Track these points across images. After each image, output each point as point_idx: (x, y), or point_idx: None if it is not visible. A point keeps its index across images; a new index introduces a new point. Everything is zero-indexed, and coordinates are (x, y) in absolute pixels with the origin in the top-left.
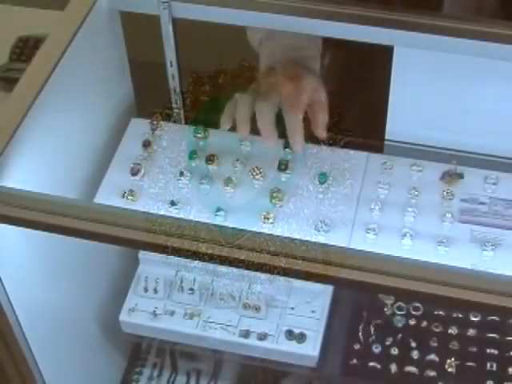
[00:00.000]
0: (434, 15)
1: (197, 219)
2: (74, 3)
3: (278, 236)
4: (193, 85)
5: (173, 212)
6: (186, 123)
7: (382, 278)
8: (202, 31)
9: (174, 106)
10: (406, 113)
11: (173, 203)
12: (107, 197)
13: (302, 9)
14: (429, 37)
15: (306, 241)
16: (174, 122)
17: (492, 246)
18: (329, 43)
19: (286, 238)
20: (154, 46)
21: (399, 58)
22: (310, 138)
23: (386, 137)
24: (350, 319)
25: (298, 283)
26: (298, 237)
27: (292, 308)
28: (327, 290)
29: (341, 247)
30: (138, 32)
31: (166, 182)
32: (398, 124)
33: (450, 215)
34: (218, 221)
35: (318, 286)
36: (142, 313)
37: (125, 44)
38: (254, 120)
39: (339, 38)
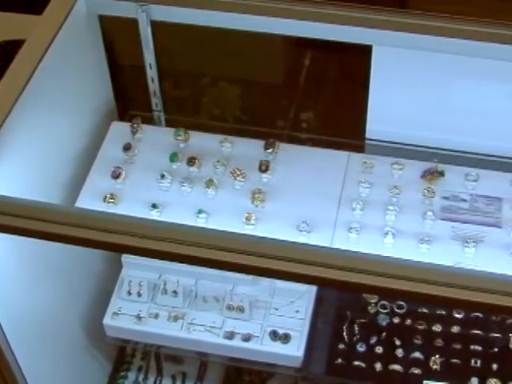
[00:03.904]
0: (411, 14)
1: (178, 221)
2: (52, 8)
3: (259, 237)
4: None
5: (154, 215)
6: (167, 125)
7: (365, 278)
8: (180, 33)
9: (154, 108)
10: (386, 112)
11: (154, 206)
12: (89, 201)
13: (281, 10)
14: (407, 35)
15: (288, 241)
16: (155, 124)
17: (473, 242)
18: (308, 44)
19: (267, 239)
20: (133, 49)
21: (377, 57)
22: (291, 138)
23: (367, 136)
24: (334, 319)
25: (282, 284)
26: (280, 237)
27: (276, 308)
28: (311, 290)
29: (323, 247)
30: (118, 35)
31: (147, 184)
32: (379, 123)
33: (431, 213)
34: (200, 223)
35: (302, 286)
36: (125, 316)
37: (104, 48)
38: (233, 120)
39: (318, 38)
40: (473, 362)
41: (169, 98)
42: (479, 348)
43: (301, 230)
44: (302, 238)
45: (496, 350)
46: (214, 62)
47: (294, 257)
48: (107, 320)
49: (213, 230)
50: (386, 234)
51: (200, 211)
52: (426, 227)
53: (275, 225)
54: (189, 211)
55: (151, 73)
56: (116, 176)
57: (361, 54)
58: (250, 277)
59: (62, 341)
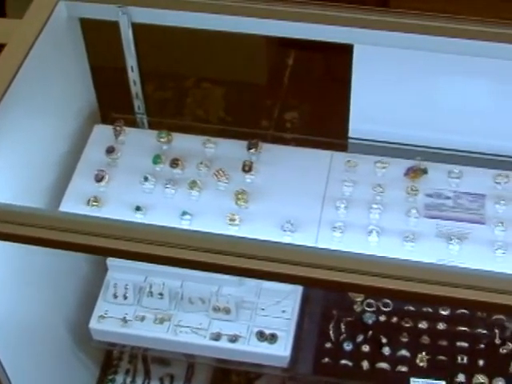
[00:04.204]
0: (391, 12)
1: (163, 224)
2: (33, 11)
3: (244, 238)
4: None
5: (138, 217)
6: (150, 128)
7: (350, 277)
8: (163, 35)
9: (136, 111)
10: (369, 111)
11: (138, 208)
12: (72, 204)
13: (262, 10)
14: (387, 34)
15: (273, 242)
16: (138, 127)
17: (458, 239)
18: (290, 44)
19: (252, 239)
20: (115, 51)
21: (358, 56)
22: (276, 138)
23: (350, 135)
24: (321, 318)
25: (268, 284)
26: (264, 238)
27: (262, 309)
28: (297, 289)
29: (308, 247)
30: (100, 38)
31: (130, 187)
32: (361, 122)
33: (415, 211)
34: (184, 224)
35: (288, 286)
36: (112, 319)
37: (86, 51)
38: (218, 121)
39: (300, 38)
40: (459, 358)
41: (152, 100)
42: (465, 344)
43: (285, 230)
44: (287, 238)
45: (482, 346)
46: (197, 64)
47: (279, 257)
48: (93, 323)
49: (197, 231)
50: (371, 232)
51: (184, 213)
52: (410, 225)
53: (259, 225)
54: (173, 213)
55: (133, 75)
56: (99, 179)
57: (344, 53)
58: (236, 277)
59: (48, 345)
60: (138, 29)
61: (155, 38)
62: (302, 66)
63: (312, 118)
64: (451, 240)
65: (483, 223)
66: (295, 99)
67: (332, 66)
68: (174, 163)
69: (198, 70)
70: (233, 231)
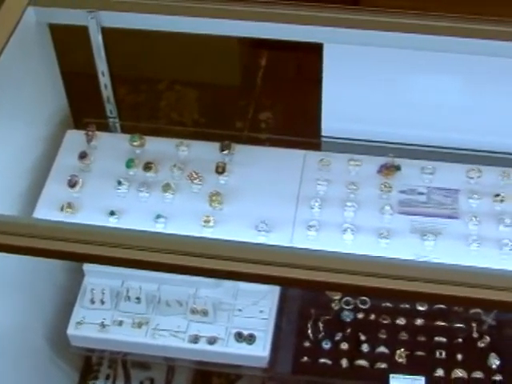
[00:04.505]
0: (360, 10)
1: (137, 228)
2: (0, 18)
3: (219, 240)
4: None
5: (113, 222)
6: (123, 132)
7: (326, 276)
8: (134, 39)
9: (108, 115)
10: (341, 109)
11: (112, 213)
12: (46, 211)
13: (232, 11)
14: (357, 32)
15: (248, 242)
16: (110, 131)
17: (432, 235)
18: (263, 44)
19: (227, 241)
20: (86, 56)
21: (329, 54)
22: (251, 138)
23: (323, 134)
24: (299, 317)
25: (245, 284)
26: (239, 239)
27: (240, 310)
28: (274, 289)
29: (283, 247)
30: (70, 43)
31: (104, 192)
32: (333, 120)
33: (389, 207)
34: (159, 228)
35: (265, 286)
36: (89, 325)
37: (56, 56)
38: (192, 124)
39: (271, 39)
40: (438, 353)
41: (126, 104)
42: (443, 339)
43: (260, 230)
44: (262, 238)
45: (460, 340)
46: (171, 66)
47: (254, 258)
48: (71, 330)
49: (172, 234)
50: (345, 230)
51: (158, 216)
52: (384, 222)
53: (234, 226)
54: (147, 217)
55: (104, 79)
56: (72, 185)
57: (317, 52)
58: (213, 279)
59: (26, 353)
60: (111, 33)
61: (128, 41)
62: (275, 66)
63: (286, 118)
64: (426, 235)
65: (457, 218)
66: (269, 99)
67: (305, 66)
68: (148, 167)
69: (172, 72)
70: (207, 233)
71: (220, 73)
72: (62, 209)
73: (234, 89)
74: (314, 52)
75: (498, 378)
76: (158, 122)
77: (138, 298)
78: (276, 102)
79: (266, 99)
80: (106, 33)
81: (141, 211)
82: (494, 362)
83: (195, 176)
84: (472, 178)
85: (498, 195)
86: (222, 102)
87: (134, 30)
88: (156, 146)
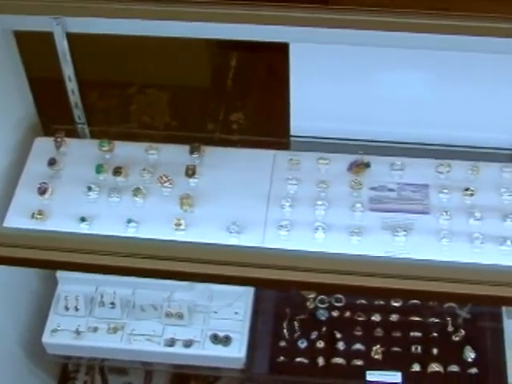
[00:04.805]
0: (325, 9)
1: (109, 233)
2: None
3: (191, 243)
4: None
5: (84, 228)
6: (92, 137)
7: (299, 275)
8: (103, 44)
9: (77, 121)
10: (309, 108)
11: (83, 219)
12: (17, 219)
13: (195, 13)
14: (322, 31)
15: (219, 244)
16: (79, 137)
17: (403, 231)
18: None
19: (199, 243)
20: (52, 62)
21: (295, 54)
22: (222, 140)
23: (292, 133)
24: (274, 317)
25: (219, 286)
26: (211, 241)
27: (215, 312)
28: (248, 290)
29: (255, 247)
30: (36, 49)
31: (74, 198)
32: (302, 119)
33: (359, 205)
34: (130, 232)
35: (239, 288)
36: (64, 332)
37: (23, 63)
38: (164, 127)
39: (238, 40)
40: (413, 348)
41: (97, 109)
42: (419, 334)
43: (231, 232)
44: (233, 240)
45: (435, 334)
46: (141, 70)
47: (227, 260)
48: (46, 338)
49: (144, 239)
50: (317, 229)
51: (129, 221)
52: (355, 219)
53: (206, 228)
54: (118, 221)
55: (71, 85)
56: (42, 192)
57: (286, 52)
58: (187, 282)
59: (2, 361)
60: (82, 38)
61: (99, 46)
62: (245, 66)
63: (257, 118)
64: (397, 232)
65: (428, 213)
66: (240, 100)
67: (275, 65)
68: (117, 171)
69: (142, 76)
70: (179, 236)
71: (190, 75)
72: (32, 216)
73: (204, 91)
74: (283, 52)
75: (473, 370)
76: (130, 126)
77: (112, 304)
78: (247, 102)
79: (237, 100)
80: (76, 38)
81: (112, 216)
82: (470, 355)
83: (165, 179)
84: (442, 172)
85: (467, 189)
86: (193, 104)
87: (103, 34)
88: (125, 150)
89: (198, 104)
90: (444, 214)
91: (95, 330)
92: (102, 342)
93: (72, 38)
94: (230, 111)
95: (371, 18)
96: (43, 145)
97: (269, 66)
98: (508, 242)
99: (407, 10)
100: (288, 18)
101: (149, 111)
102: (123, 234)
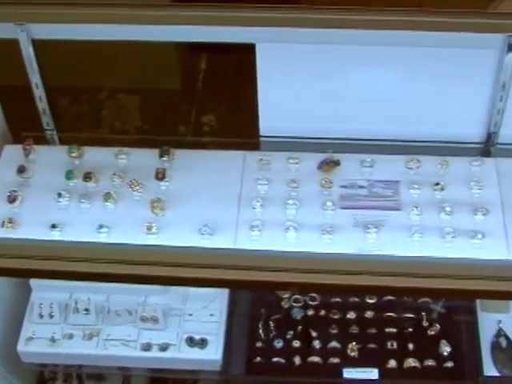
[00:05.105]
0: (291, 8)
1: (80, 239)
2: None
3: (163, 246)
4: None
5: (55, 235)
6: (62, 144)
7: (273, 275)
8: (70, 50)
9: (46, 127)
10: (277, 107)
11: (54, 226)
12: None
13: (161, 17)
14: (288, 30)
15: (192, 247)
16: (49, 144)
17: (375, 227)
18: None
19: (171, 247)
20: (19, 69)
21: (261, 54)
22: (194, 142)
23: (261, 133)
24: (249, 318)
25: (194, 289)
26: (183, 244)
27: (190, 314)
28: (223, 292)
29: (227, 249)
30: (2, 57)
31: (45, 205)
32: (271, 119)
33: (330, 203)
34: (102, 238)
35: (214, 289)
36: (40, 340)
37: None
38: (136, 131)
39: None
40: (389, 344)
41: (68, 116)
42: (394, 330)
43: (203, 234)
44: (205, 242)
45: (410, 330)
46: (111, 75)
47: (199, 262)
48: (21, 346)
49: (115, 244)
50: (288, 228)
51: (101, 226)
52: (326, 218)
53: (177, 231)
54: (89, 227)
55: (38, 92)
56: (12, 200)
57: (254, 52)
58: (161, 285)
59: None
60: (49, 44)
61: (65, 52)
62: (215, 68)
63: (228, 120)
64: (368, 229)
65: (399, 209)
66: (211, 102)
67: (245, 66)
68: (87, 177)
69: (112, 81)
70: (151, 240)
71: (160, 78)
72: (2, 225)
73: (175, 93)
74: (253, 52)
75: (449, 364)
76: (101, 131)
77: (87, 310)
78: (218, 104)
79: (208, 102)
80: (43, 44)
81: (83, 222)
82: (445, 349)
83: (135, 184)
84: (411, 168)
85: (437, 184)
86: (165, 108)
87: (71, 40)
88: (95, 155)
89: (169, 107)
90: (415, 209)
91: (70, 336)
92: (77, 348)
93: (38, 45)
94: (201, 113)
95: (339, 16)
96: (12, 152)
97: (239, 67)
98: (479, 236)
99: (370, 8)
100: (252, 18)
101: (120, 116)
102: (95, 240)
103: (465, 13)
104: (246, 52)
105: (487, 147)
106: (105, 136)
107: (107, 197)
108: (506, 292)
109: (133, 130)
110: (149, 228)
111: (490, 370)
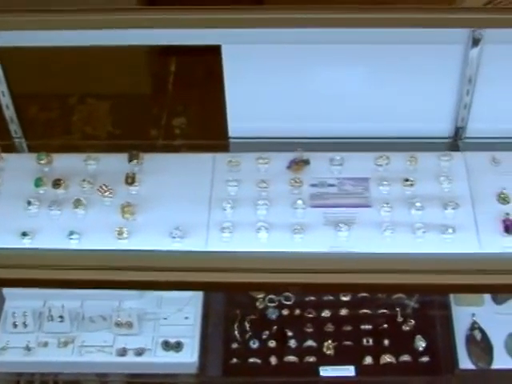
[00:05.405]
0: (254, 9)
1: (51, 246)
2: None
3: (135, 251)
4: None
5: (26, 243)
6: (31, 151)
7: (245, 276)
8: (38, 57)
9: (14, 135)
10: (245, 108)
11: (25, 234)
12: None
13: (127, 21)
14: (253, 31)
15: (163, 251)
16: (18, 151)
17: (346, 225)
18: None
19: (142, 251)
20: None
21: (227, 55)
22: (163, 146)
23: (230, 135)
24: (225, 319)
25: (168, 293)
26: (154, 247)
27: (165, 318)
28: (197, 294)
29: (199, 251)
30: None
31: (14, 213)
32: (239, 120)
33: (301, 202)
34: (73, 244)
35: (188, 293)
36: (14, 349)
37: None
38: (107, 136)
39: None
40: (365, 341)
41: (37, 123)
42: (369, 327)
43: (174, 237)
44: (177, 245)
45: (385, 326)
46: (81, 81)
47: (171, 266)
48: None
49: (87, 250)
50: (259, 229)
51: (71, 233)
52: (297, 217)
53: (148, 235)
54: (60, 234)
55: (5, 100)
56: None
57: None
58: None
59: None
60: (15, 52)
61: (34, 59)
62: (185, 70)
63: (198, 122)
64: (340, 226)
65: (369, 206)
66: (181, 105)
67: (214, 68)
68: (57, 184)
69: (82, 86)
70: (122, 245)
71: (130, 82)
72: None
73: (145, 97)
74: (221, 53)
75: (425, 359)
76: (72, 137)
77: (61, 317)
78: (188, 106)
79: (179, 105)
80: (15, 52)
81: (53, 229)
82: (420, 344)
83: (105, 189)
84: (381, 165)
85: (407, 180)
86: (136, 112)
87: (37, 47)
88: (64, 162)
89: (140, 111)
90: (385, 206)
91: (45, 344)
92: (53, 356)
93: (4, 53)
94: (172, 116)
95: (303, 15)
96: None
97: (209, 69)
98: (450, 230)
99: (336, 6)
100: (217, 20)
101: (91, 121)
102: (66, 247)
103: (429, 9)
104: (216, 53)
105: (455, 142)
106: (75, 142)
107: (77, 203)
108: (479, 285)
109: (104, 136)
110: (120, 233)
111: (465, 363)
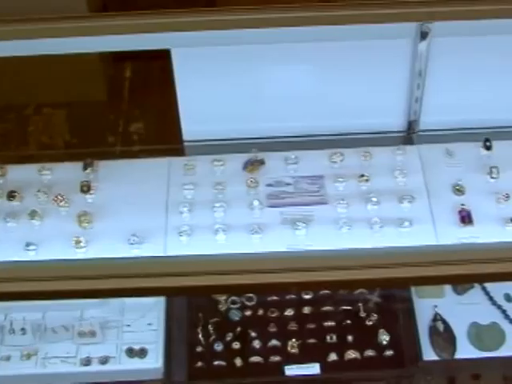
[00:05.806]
0: (202, 12)
1: (8, 259)
2: None
3: (92, 259)
4: None
5: None
6: None
7: (204, 279)
8: None
9: None
10: (198, 111)
11: None
12: None
13: (76, 28)
14: (201, 34)
15: (121, 258)
16: None
17: (303, 223)
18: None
19: (101, 259)
20: None
21: (177, 58)
22: (121, 152)
23: (184, 138)
24: (188, 323)
25: (130, 300)
26: (112, 255)
27: (128, 325)
28: (160, 300)
29: (157, 257)
30: None
31: None
32: (193, 123)
33: (257, 202)
34: (30, 256)
35: (151, 298)
36: None
37: None
38: (64, 145)
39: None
40: (328, 338)
41: None
42: (332, 323)
43: (132, 243)
44: (135, 251)
45: (349, 321)
46: (35, 90)
47: (130, 272)
48: None
49: (44, 261)
50: (217, 231)
51: (28, 244)
52: (254, 217)
53: (106, 243)
54: (17, 246)
55: None
56: None
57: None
58: (97, 299)
59: None
60: None
61: None
62: (139, 76)
63: (155, 127)
64: (297, 225)
65: (326, 203)
66: (138, 110)
67: (169, 72)
68: (11, 195)
69: (37, 96)
70: (80, 254)
71: (86, 90)
72: None
73: (102, 104)
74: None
75: (389, 353)
76: (29, 148)
77: (23, 329)
78: (144, 111)
79: (135, 110)
80: None
81: (10, 241)
82: (384, 338)
83: (61, 199)
84: (335, 162)
85: (362, 175)
86: (92, 119)
87: None
88: (18, 173)
89: (97, 118)
90: (341, 202)
91: (8, 358)
92: (16, 369)
93: None
94: (129, 122)
95: (250, 16)
96: None
97: (163, 73)
98: (406, 223)
99: (283, 6)
100: (165, 24)
101: (47, 131)
102: (23, 259)
103: (376, 4)
104: (169, 57)
105: (409, 135)
106: (30, 153)
107: (33, 214)
108: (438, 277)
109: (61, 145)
110: (77, 242)
111: (428, 354)
